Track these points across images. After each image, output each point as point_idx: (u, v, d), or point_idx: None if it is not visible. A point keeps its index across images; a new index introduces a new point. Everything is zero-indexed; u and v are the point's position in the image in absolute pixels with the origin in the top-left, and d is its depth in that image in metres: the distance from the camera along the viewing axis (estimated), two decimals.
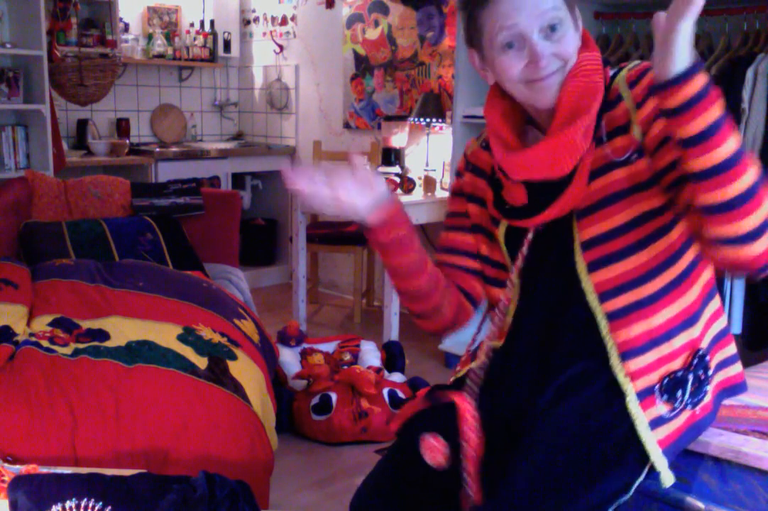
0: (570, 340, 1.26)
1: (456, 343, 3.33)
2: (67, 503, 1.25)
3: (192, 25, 4.87)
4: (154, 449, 1.77)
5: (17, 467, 1.39)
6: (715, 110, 1.00)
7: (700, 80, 0.99)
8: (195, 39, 4.81)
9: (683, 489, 1.34)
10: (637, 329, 1.21)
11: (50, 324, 2.13)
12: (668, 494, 1.33)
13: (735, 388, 1.35)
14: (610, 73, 1.24)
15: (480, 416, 1.26)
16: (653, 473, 1.21)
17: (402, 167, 3.89)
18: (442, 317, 1.35)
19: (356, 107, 4.41)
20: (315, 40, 4.62)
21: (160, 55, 4.68)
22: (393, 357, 3.17)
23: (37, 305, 2.27)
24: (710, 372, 1.26)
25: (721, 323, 1.32)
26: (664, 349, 1.22)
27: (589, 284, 1.22)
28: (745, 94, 2.47)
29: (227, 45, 4.93)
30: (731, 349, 1.34)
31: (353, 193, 1.14)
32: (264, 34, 4.93)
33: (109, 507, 1.25)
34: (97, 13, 4.30)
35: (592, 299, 1.22)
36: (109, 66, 4.07)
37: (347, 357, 3.13)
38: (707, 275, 1.27)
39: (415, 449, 1.27)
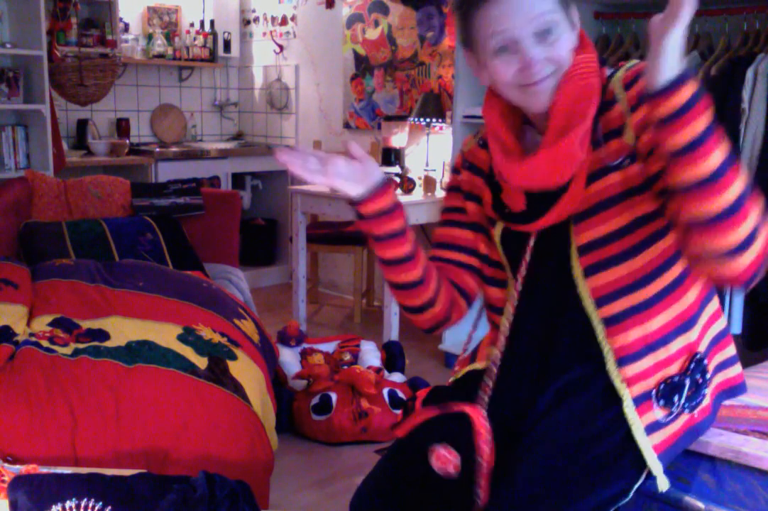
0: (567, 344, 1.26)
1: (456, 343, 3.33)
2: (67, 503, 1.25)
3: (192, 25, 4.87)
4: (154, 449, 1.77)
5: (17, 467, 1.39)
6: (702, 121, 0.98)
7: (687, 91, 0.97)
8: (195, 39, 4.81)
9: (683, 489, 1.34)
10: (634, 334, 1.20)
11: (50, 324, 2.13)
12: (668, 493, 1.32)
13: (734, 389, 1.35)
14: (608, 72, 1.23)
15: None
16: (652, 476, 1.21)
17: (402, 167, 3.89)
18: (435, 312, 1.33)
19: (356, 107, 4.41)
20: (315, 40, 4.62)
21: (160, 55, 4.68)
22: (393, 357, 3.16)
23: (37, 305, 2.27)
24: (708, 375, 1.25)
25: (720, 324, 1.32)
26: (661, 354, 1.21)
27: (585, 289, 1.22)
28: (745, 94, 2.47)
29: (227, 45, 4.93)
30: (730, 350, 1.34)
31: (347, 183, 1.15)
32: (264, 34, 4.93)
33: (109, 507, 1.25)
34: (97, 13, 4.30)
35: (588, 304, 1.22)
36: (109, 66, 4.07)
37: (347, 357, 3.12)
38: (704, 278, 1.25)
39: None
